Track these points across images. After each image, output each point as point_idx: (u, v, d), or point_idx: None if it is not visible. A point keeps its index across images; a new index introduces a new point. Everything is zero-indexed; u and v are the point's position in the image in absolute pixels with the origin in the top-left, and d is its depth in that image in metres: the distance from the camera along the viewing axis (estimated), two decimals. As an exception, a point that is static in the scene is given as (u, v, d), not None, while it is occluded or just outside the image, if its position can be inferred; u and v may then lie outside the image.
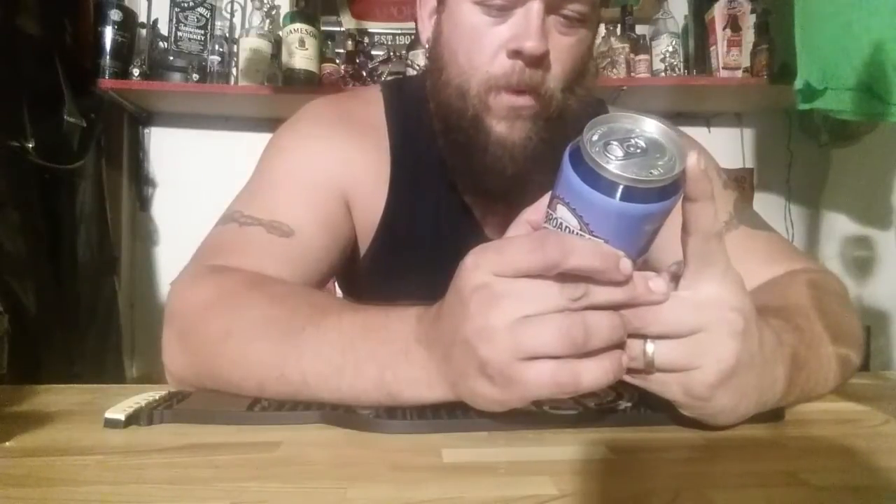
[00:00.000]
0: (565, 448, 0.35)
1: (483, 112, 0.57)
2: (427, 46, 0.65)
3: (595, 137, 0.33)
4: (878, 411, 0.44)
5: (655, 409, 0.39)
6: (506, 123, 0.56)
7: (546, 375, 0.33)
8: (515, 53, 0.54)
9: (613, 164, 0.31)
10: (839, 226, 1.85)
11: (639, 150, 0.33)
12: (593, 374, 0.33)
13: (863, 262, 1.80)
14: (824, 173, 1.88)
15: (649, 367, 0.35)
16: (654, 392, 0.36)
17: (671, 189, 0.32)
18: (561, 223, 0.34)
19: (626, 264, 0.33)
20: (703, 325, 0.34)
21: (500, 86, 0.55)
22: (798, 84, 1.25)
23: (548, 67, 0.55)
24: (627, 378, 0.36)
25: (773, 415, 0.40)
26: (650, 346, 0.35)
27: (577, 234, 0.33)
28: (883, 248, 1.80)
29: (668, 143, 0.33)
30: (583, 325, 0.32)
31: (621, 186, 0.31)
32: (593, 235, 0.33)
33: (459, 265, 0.36)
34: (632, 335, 0.35)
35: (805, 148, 1.86)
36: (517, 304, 0.33)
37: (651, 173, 0.31)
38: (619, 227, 0.33)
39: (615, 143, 0.33)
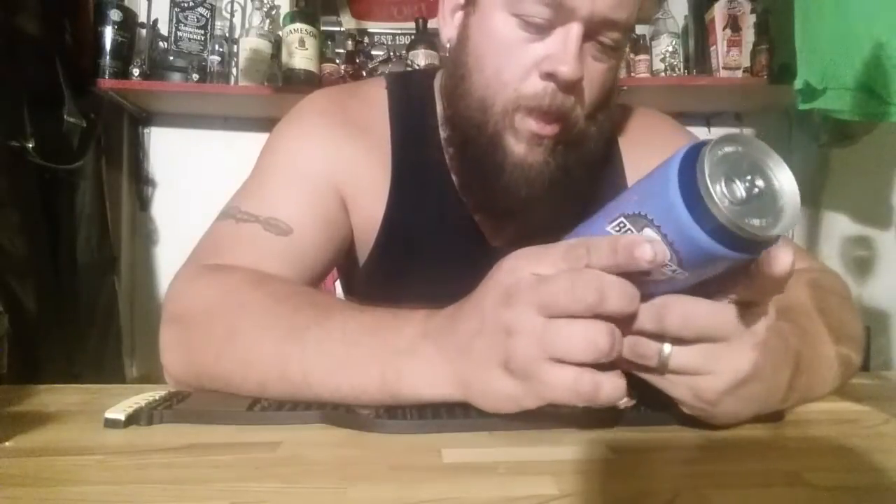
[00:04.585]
0: (566, 448, 0.35)
1: (504, 130, 0.54)
2: (448, 45, 0.62)
3: (716, 171, 0.28)
4: (878, 411, 0.44)
5: (655, 409, 0.39)
6: (525, 146, 0.55)
7: (569, 381, 0.33)
8: (549, 76, 0.52)
9: (733, 209, 0.28)
10: (839, 226, 1.85)
11: (756, 191, 0.29)
12: (611, 387, 0.33)
13: (863, 262, 1.80)
14: (824, 173, 1.88)
15: (662, 368, 0.35)
16: (661, 388, 0.36)
17: (763, 246, 0.30)
18: None
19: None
20: (728, 333, 0.34)
21: (529, 107, 0.53)
22: (798, 84, 1.25)
23: (580, 94, 0.53)
24: (638, 373, 0.36)
25: (773, 414, 0.40)
26: (667, 348, 0.34)
27: (668, 264, 0.31)
28: (883, 248, 1.80)
29: (788, 200, 0.30)
30: (611, 335, 0.32)
31: (742, 239, 0.28)
32: (681, 268, 0.31)
33: (495, 267, 0.37)
34: (650, 334, 0.34)
35: (805, 148, 1.86)
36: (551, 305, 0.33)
37: (761, 223, 0.29)
38: (707, 267, 0.31)
39: (738, 181, 0.29)
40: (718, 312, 0.33)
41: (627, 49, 1.72)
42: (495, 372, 0.35)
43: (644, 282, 0.33)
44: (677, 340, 0.34)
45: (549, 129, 0.54)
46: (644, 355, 0.35)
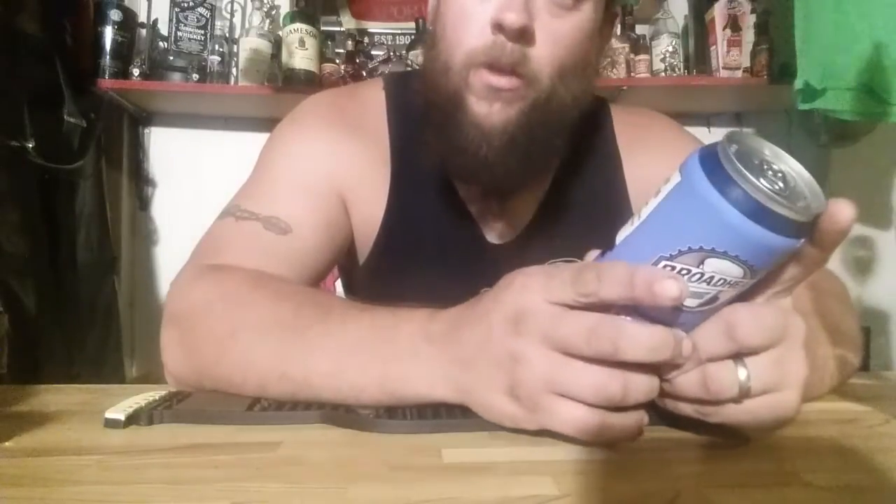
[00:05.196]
0: (566, 448, 0.35)
1: (463, 89, 0.55)
2: (431, 29, 0.63)
3: (755, 174, 0.28)
4: (877, 411, 0.44)
5: (655, 408, 0.39)
6: (485, 104, 0.54)
7: (574, 418, 0.33)
8: (497, 27, 0.52)
9: (789, 203, 0.27)
10: (839, 226, 1.84)
11: (781, 176, 0.29)
12: (618, 431, 0.33)
13: (863, 262, 1.80)
14: (824, 173, 1.88)
15: (743, 395, 0.32)
16: (731, 423, 0.33)
17: (813, 225, 0.29)
18: (712, 278, 0.29)
19: (688, 346, 0.31)
20: (787, 333, 0.31)
21: (480, 61, 0.53)
22: (798, 84, 1.25)
23: (534, 45, 0.53)
24: (705, 416, 0.34)
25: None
26: (742, 371, 0.31)
27: (739, 281, 0.30)
28: (883, 248, 1.80)
29: (804, 176, 0.30)
30: (623, 384, 0.31)
31: (805, 224, 0.28)
32: (753, 278, 0.30)
33: (505, 281, 0.36)
34: (719, 358, 0.32)
35: (805, 148, 1.86)
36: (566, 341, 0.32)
37: (806, 203, 0.28)
38: (774, 266, 0.30)
39: (766, 176, 0.28)
40: (778, 310, 0.31)
41: (627, 48, 1.72)
42: (499, 395, 0.35)
43: (718, 306, 0.31)
44: (749, 354, 0.31)
45: (505, 82, 0.53)
46: (719, 390, 0.32)
